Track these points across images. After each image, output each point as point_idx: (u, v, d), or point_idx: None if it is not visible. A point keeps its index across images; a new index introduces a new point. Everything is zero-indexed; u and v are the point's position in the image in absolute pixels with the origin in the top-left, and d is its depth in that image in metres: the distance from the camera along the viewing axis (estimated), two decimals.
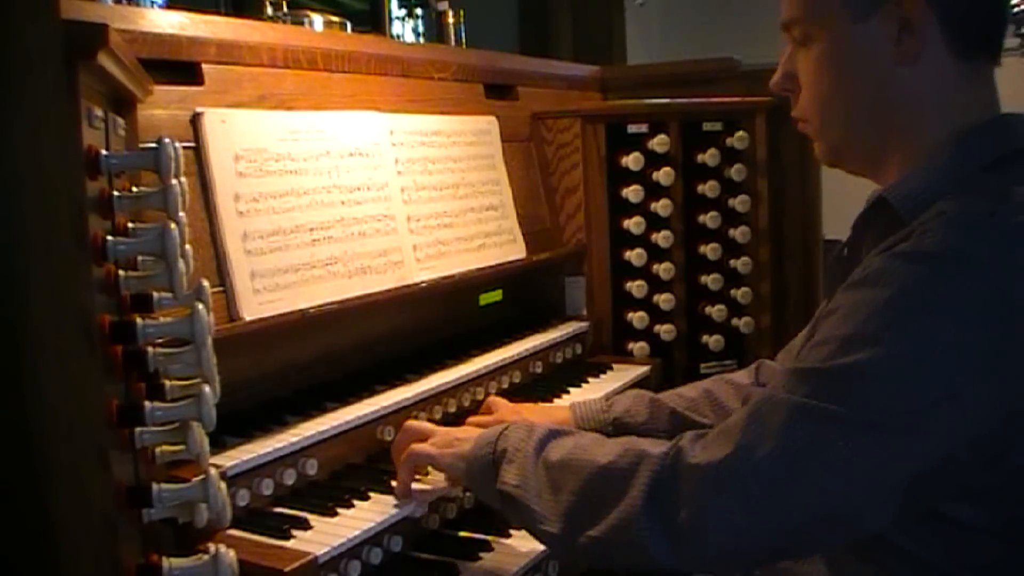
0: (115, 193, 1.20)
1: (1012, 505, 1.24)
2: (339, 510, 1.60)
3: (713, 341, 2.72)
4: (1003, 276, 1.18)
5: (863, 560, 1.36)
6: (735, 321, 2.75)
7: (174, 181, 1.23)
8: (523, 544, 1.73)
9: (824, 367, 1.23)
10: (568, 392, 2.26)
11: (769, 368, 1.94)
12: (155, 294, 1.23)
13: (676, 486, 1.28)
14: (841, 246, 1.45)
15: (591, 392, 2.28)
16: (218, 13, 2.66)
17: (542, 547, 1.73)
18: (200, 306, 1.22)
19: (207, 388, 1.22)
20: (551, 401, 2.19)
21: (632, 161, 2.61)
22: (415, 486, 1.68)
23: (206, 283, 1.29)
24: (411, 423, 1.75)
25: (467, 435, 1.64)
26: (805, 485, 1.21)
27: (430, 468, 1.70)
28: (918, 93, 1.34)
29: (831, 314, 1.28)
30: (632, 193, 2.61)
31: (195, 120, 1.71)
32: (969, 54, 1.33)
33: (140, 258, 1.24)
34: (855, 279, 1.27)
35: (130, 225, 1.24)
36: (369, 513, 1.61)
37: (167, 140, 1.21)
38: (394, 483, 1.69)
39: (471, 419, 1.89)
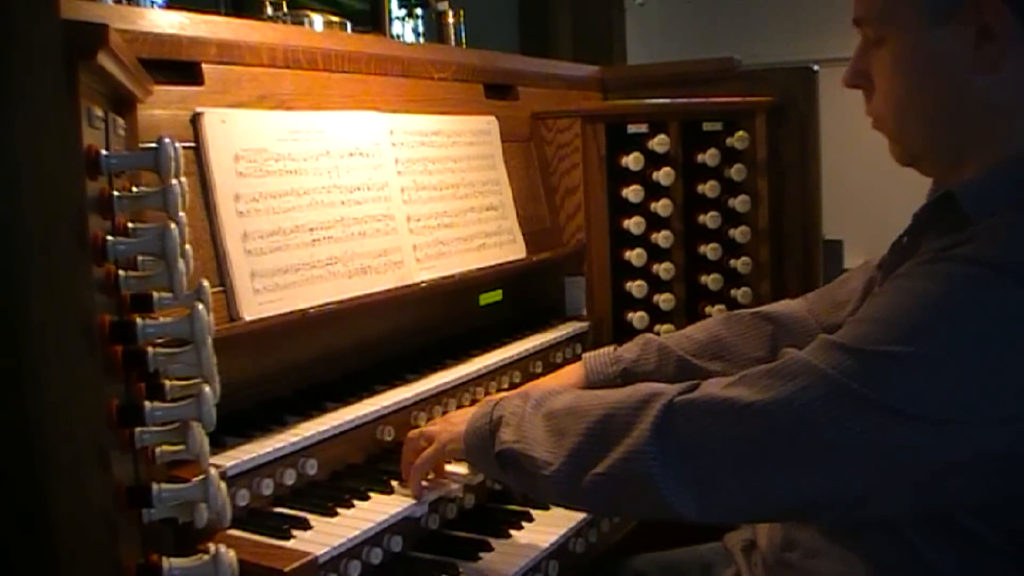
0: (115, 193, 1.20)
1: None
2: (339, 510, 1.60)
3: None
4: None
5: (877, 563, 1.35)
6: None
7: (174, 181, 1.23)
8: (523, 544, 1.73)
9: (863, 348, 1.20)
10: None
11: (786, 315, 1.92)
12: (155, 294, 1.23)
13: (688, 419, 1.26)
14: (901, 235, 1.42)
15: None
16: (218, 13, 2.66)
17: (542, 547, 1.73)
18: (200, 306, 1.22)
19: (207, 388, 1.21)
20: None
21: (632, 161, 2.61)
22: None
23: (206, 283, 1.29)
24: (411, 433, 1.75)
25: (463, 417, 1.64)
26: (817, 457, 1.20)
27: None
28: (997, 102, 1.28)
29: (880, 295, 1.27)
30: (632, 193, 2.61)
31: (195, 120, 1.71)
32: None
33: (140, 258, 1.24)
34: (911, 269, 1.25)
35: (130, 225, 1.24)
36: (369, 513, 1.61)
37: (167, 140, 1.21)
38: (394, 482, 1.70)
39: None
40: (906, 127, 1.37)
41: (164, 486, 1.18)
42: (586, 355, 1.96)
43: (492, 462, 1.51)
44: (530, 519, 1.84)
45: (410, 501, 1.66)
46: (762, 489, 1.25)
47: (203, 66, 1.75)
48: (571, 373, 1.95)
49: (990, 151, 1.30)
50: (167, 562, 1.15)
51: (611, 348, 1.93)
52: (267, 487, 1.60)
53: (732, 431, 1.24)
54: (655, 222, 2.65)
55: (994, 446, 1.17)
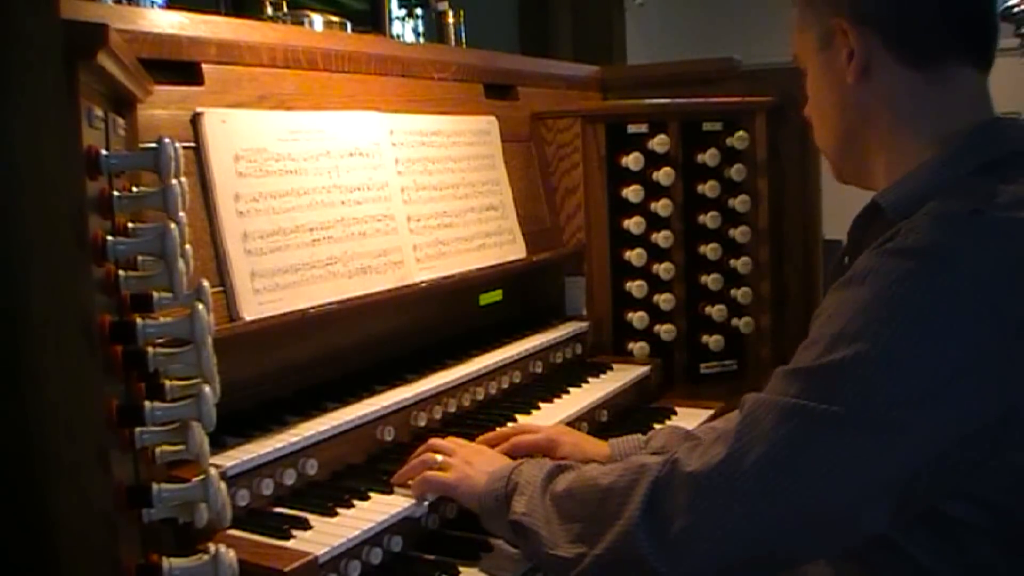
0: (115, 193, 1.20)
1: (1010, 506, 1.23)
2: (339, 510, 1.60)
3: (713, 341, 2.72)
4: (986, 272, 1.19)
5: (860, 562, 1.36)
6: (735, 321, 2.75)
7: (174, 181, 1.23)
8: None
9: (812, 366, 1.25)
10: (568, 392, 2.26)
11: None
12: (155, 294, 1.23)
13: (672, 495, 1.30)
14: (840, 254, 1.48)
15: (591, 392, 2.28)
16: (218, 13, 2.66)
17: None
18: (200, 306, 1.22)
19: (207, 388, 1.22)
20: (551, 401, 2.19)
21: (632, 161, 2.61)
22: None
23: (206, 283, 1.29)
24: (435, 441, 1.76)
25: (482, 468, 1.66)
26: (797, 484, 1.22)
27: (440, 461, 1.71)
28: (878, 106, 1.41)
29: (820, 315, 1.30)
30: (632, 193, 2.61)
31: (195, 120, 1.71)
32: (922, 62, 1.38)
33: (140, 258, 1.24)
34: (843, 279, 1.29)
35: (130, 225, 1.24)
36: (369, 513, 1.61)
37: (167, 140, 1.21)
38: (393, 482, 1.70)
39: (511, 439, 1.88)
40: (824, 144, 1.55)
41: (164, 486, 1.18)
42: (612, 441, 1.93)
43: (506, 527, 1.56)
44: None
45: (410, 501, 1.66)
46: (755, 543, 1.26)
47: (203, 66, 1.75)
48: (596, 450, 1.91)
49: (890, 150, 1.42)
50: (167, 562, 1.15)
51: (639, 435, 1.93)
52: (267, 487, 1.60)
53: (716, 501, 1.26)
54: (655, 222, 2.65)
55: (968, 428, 1.19)
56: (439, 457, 1.71)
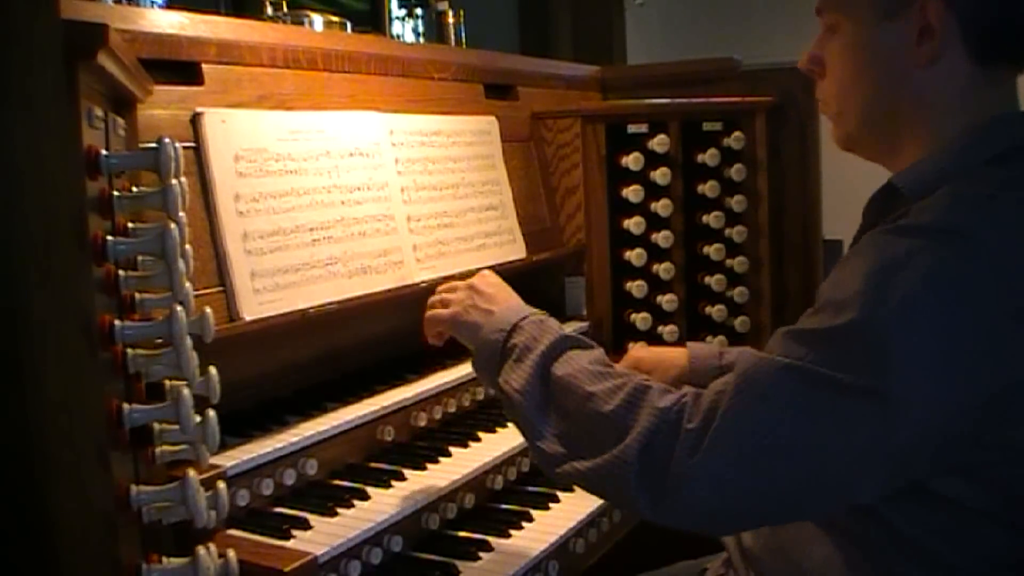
0: (115, 193, 1.20)
1: (1008, 484, 1.23)
2: (339, 510, 1.60)
3: (714, 342, 2.72)
4: (1000, 253, 1.19)
5: (848, 537, 1.36)
6: (735, 321, 2.75)
7: (174, 181, 1.23)
8: (523, 545, 1.73)
9: (815, 328, 1.24)
10: None
11: None
12: (137, 295, 1.22)
13: (670, 445, 1.28)
14: (857, 234, 1.46)
15: None
16: (218, 13, 2.66)
17: (542, 547, 1.74)
18: (179, 307, 1.20)
19: (186, 391, 1.20)
20: None
21: (632, 161, 2.61)
22: (418, 485, 1.69)
23: (188, 284, 1.27)
24: (441, 288, 1.73)
25: (485, 304, 1.62)
26: (795, 447, 1.21)
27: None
28: (932, 94, 1.37)
29: (826, 283, 1.30)
30: (632, 193, 2.61)
31: (195, 120, 1.71)
32: (988, 61, 1.35)
33: (140, 258, 1.24)
34: (853, 249, 1.30)
35: (130, 225, 1.24)
36: (369, 513, 1.61)
37: (167, 140, 1.21)
38: (394, 482, 1.70)
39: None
40: (846, 109, 1.46)
41: (143, 488, 1.17)
42: (691, 344, 1.97)
43: (495, 384, 1.53)
44: (530, 519, 1.84)
45: (410, 500, 1.66)
46: (745, 499, 1.26)
47: (203, 66, 1.75)
48: (675, 357, 1.94)
49: (923, 140, 1.39)
50: (167, 562, 1.15)
51: (715, 342, 1.93)
52: (267, 487, 1.60)
53: (711, 459, 1.25)
54: (655, 222, 2.65)
55: (968, 402, 1.18)
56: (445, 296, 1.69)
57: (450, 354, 2.15)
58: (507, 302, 1.63)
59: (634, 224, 2.61)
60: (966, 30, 1.33)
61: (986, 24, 1.34)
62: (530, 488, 1.98)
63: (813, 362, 1.22)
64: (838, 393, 1.20)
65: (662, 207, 2.63)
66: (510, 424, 2.00)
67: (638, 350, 2.03)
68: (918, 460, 1.22)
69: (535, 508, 1.88)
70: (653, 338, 2.65)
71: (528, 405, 1.45)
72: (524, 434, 1.48)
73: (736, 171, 2.72)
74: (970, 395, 1.19)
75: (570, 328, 2.51)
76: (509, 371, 1.49)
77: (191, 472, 1.19)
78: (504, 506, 1.91)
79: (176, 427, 1.22)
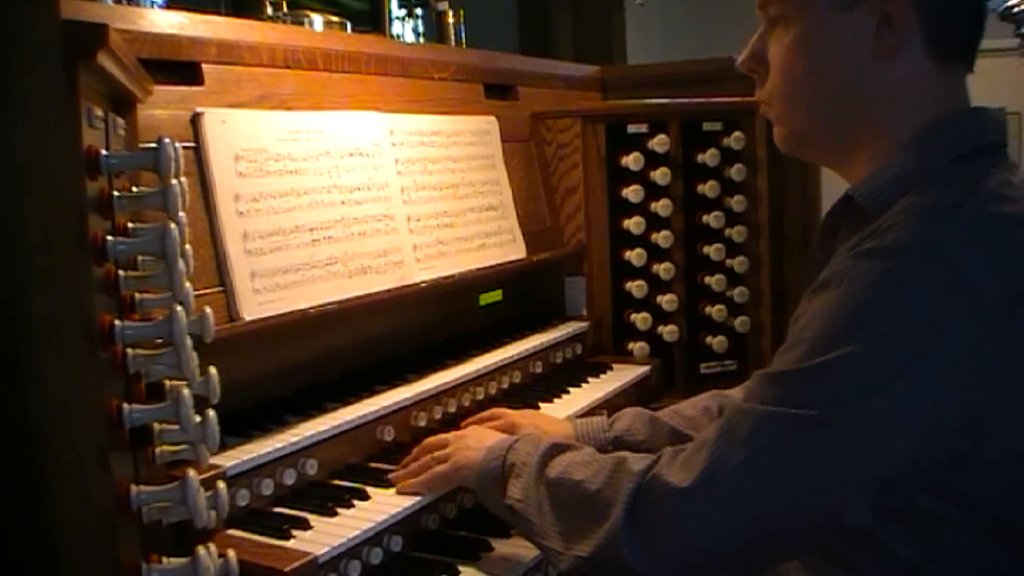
0: (115, 193, 1.20)
1: (994, 503, 1.23)
2: (339, 510, 1.60)
3: (715, 342, 2.72)
4: (968, 266, 1.17)
5: (832, 556, 1.35)
6: (735, 321, 2.75)
7: (174, 181, 1.23)
8: (523, 544, 1.73)
9: (791, 370, 1.23)
10: (568, 392, 2.26)
11: None
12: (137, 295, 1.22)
13: (654, 506, 1.30)
14: (812, 248, 1.45)
15: (591, 392, 2.28)
16: (218, 13, 2.66)
17: None
18: (179, 308, 1.20)
19: (186, 391, 1.21)
20: (551, 401, 2.19)
21: (632, 161, 2.61)
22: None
23: (188, 284, 1.27)
24: (428, 441, 1.77)
25: (478, 442, 1.67)
26: (778, 487, 1.22)
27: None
28: (890, 90, 1.33)
29: (799, 319, 1.29)
30: (632, 193, 2.61)
31: (195, 120, 1.71)
32: (946, 57, 1.33)
33: (140, 258, 1.24)
34: (820, 281, 1.27)
35: (130, 225, 1.24)
36: (369, 513, 1.61)
37: (167, 140, 1.21)
38: (394, 483, 1.70)
39: (483, 416, 1.92)
40: (796, 109, 1.40)
41: (143, 488, 1.17)
42: (576, 420, 1.95)
43: (502, 508, 1.56)
44: None
45: (410, 500, 1.65)
46: (736, 544, 1.26)
47: (203, 66, 1.75)
48: (560, 429, 1.91)
49: (880, 137, 1.34)
50: (167, 562, 1.15)
51: (603, 417, 1.93)
52: (267, 487, 1.60)
53: (697, 511, 1.26)
54: (655, 222, 2.65)
55: (949, 423, 1.17)
56: (437, 453, 1.71)
57: (450, 354, 2.16)
58: (495, 437, 1.68)
59: (634, 224, 2.61)
60: (927, 23, 1.29)
61: (947, 17, 1.31)
62: None
63: (791, 404, 1.21)
64: (818, 430, 1.19)
65: (662, 207, 2.63)
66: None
67: (515, 415, 1.93)
68: (903, 483, 1.22)
69: None
70: (653, 338, 2.65)
71: (531, 510, 1.48)
72: (531, 539, 1.50)
73: (736, 171, 2.72)
74: (952, 414, 1.18)
75: (570, 328, 2.52)
76: (512, 487, 1.53)
77: (191, 472, 1.19)
78: None
79: (176, 427, 1.22)
